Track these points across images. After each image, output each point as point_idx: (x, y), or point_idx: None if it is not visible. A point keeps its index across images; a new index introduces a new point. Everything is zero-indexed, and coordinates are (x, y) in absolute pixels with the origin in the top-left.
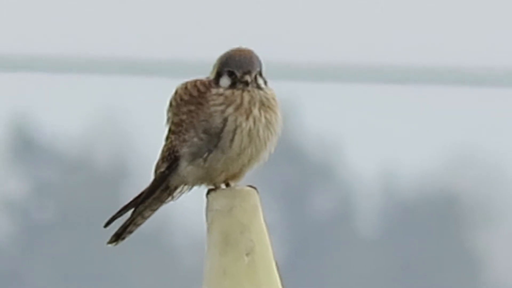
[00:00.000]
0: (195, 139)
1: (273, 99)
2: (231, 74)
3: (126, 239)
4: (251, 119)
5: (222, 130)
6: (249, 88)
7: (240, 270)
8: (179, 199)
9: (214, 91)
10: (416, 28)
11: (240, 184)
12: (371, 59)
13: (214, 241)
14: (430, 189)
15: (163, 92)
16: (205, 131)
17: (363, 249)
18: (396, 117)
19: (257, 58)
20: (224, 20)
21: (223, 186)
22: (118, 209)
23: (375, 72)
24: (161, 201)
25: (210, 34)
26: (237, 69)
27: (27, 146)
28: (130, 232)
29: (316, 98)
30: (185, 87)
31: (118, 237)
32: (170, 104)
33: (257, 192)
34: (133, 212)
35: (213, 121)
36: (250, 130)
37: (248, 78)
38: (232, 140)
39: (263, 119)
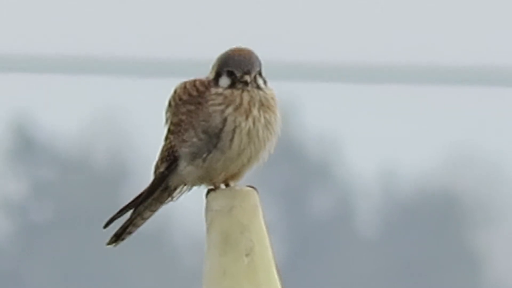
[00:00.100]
0: (195, 139)
1: (273, 99)
2: (230, 74)
3: (126, 240)
4: (250, 119)
5: (221, 130)
6: (249, 88)
7: (240, 270)
8: (179, 199)
9: (213, 90)
10: (416, 28)
11: (240, 184)
12: (371, 59)
13: (214, 241)
14: (430, 189)
15: (163, 92)
16: (205, 131)
17: (362, 249)
18: (396, 117)
19: (256, 58)
20: (224, 20)
21: (222, 186)
22: (117, 210)
23: (375, 72)
24: (160, 201)
25: (210, 34)
26: (237, 69)
27: (26, 146)
28: (130, 232)
29: (315, 98)
30: (184, 86)
31: (117, 237)
32: (169, 104)
33: (257, 192)
34: (133, 212)
35: (212, 121)
36: (249, 130)
37: (247, 78)
38: (231, 140)
39: (262, 119)
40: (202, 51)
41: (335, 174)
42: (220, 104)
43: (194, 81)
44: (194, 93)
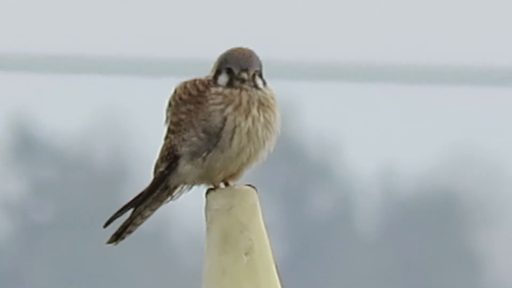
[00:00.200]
0: (194, 139)
1: (272, 98)
2: (229, 71)
3: (126, 239)
4: (250, 119)
5: (221, 129)
6: (246, 86)
7: (239, 269)
8: (179, 198)
9: (213, 90)
10: (416, 28)
11: (239, 183)
12: (371, 59)
13: (214, 241)
14: (430, 189)
15: (163, 92)
16: (204, 131)
17: (362, 249)
18: (396, 117)
19: (257, 58)
20: (224, 20)
21: (222, 185)
22: (117, 209)
23: (375, 72)
24: (160, 200)
25: (210, 34)
26: (235, 66)
27: (26, 146)
28: (130, 232)
29: (315, 98)
30: (184, 86)
31: (117, 236)
32: (169, 104)
33: (256, 191)
34: (133, 212)
35: (212, 120)
36: (249, 129)
37: (245, 75)
38: (231, 139)
39: (262, 119)
40: (202, 51)
41: (335, 173)
42: (220, 104)
43: (195, 80)
44: (194, 92)
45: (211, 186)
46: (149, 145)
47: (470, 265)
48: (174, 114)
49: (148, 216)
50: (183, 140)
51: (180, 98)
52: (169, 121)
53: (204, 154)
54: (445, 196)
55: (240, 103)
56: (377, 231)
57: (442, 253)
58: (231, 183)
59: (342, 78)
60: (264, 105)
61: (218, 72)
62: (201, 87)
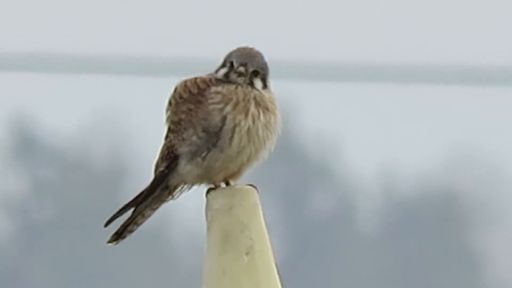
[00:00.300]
0: (194, 138)
1: (271, 102)
2: (230, 65)
3: (126, 238)
4: (250, 118)
5: (221, 128)
6: (241, 81)
7: (240, 269)
8: (179, 198)
9: (213, 89)
10: (416, 28)
11: (240, 183)
12: (371, 59)
13: (214, 240)
14: (430, 189)
15: (163, 91)
16: (204, 130)
17: (362, 249)
18: (396, 117)
19: (262, 60)
20: (224, 20)
21: (222, 185)
22: (117, 208)
23: (375, 72)
24: (161, 200)
25: (210, 34)
26: (236, 60)
27: (26, 145)
28: (131, 231)
29: (315, 98)
30: (184, 84)
31: (118, 236)
32: (169, 103)
33: (257, 191)
34: (133, 211)
35: (212, 119)
36: (249, 128)
37: (242, 69)
38: (231, 138)
39: (262, 118)
40: (202, 51)
41: (335, 173)
42: (219, 103)
43: (195, 78)
44: (195, 90)
45: (212, 186)
46: (149, 145)
47: (470, 265)
48: (174, 113)
49: (149, 215)
50: (183, 139)
51: (181, 97)
52: (169, 120)
53: (204, 154)
54: (445, 196)
55: (237, 101)
56: (377, 231)
57: (442, 253)
58: (231, 182)
59: (342, 78)
60: (261, 105)
61: (222, 66)
62: (202, 85)
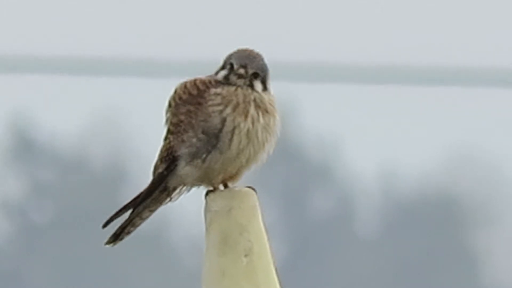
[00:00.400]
0: (194, 140)
1: (270, 104)
2: (230, 66)
3: (125, 240)
4: (249, 120)
5: (220, 130)
6: (241, 83)
7: (239, 271)
8: (178, 200)
9: (213, 91)
10: (416, 28)
11: (239, 185)
12: (371, 59)
13: (213, 242)
14: (430, 189)
15: (163, 92)
16: (204, 132)
17: (362, 249)
18: (396, 117)
19: (262, 63)
20: (224, 20)
21: (221, 187)
22: (116, 210)
23: (375, 72)
24: (159, 202)
25: (210, 34)
26: (236, 62)
27: (26, 147)
28: (128, 232)
29: (315, 98)
30: (184, 86)
31: (116, 237)
32: (169, 104)
33: (256, 193)
34: (132, 213)
35: (211, 121)
36: (248, 130)
37: (242, 71)
38: (230, 140)
39: (261, 120)
40: (202, 51)
41: (335, 174)
42: (219, 104)
43: (195, 80)
44: (194, 92)
45: (211, 188)
46: (148, 146)
47: (469, 265)
48: (173, 115)
49: (147, 217)
50: (183, 141)
51: (180, 98)
52: (168, 122)
53: (204, 156)
54: (445, 197)
55: (237, 103)
56: (377, 231)
57: (442, 253)
58: (230, 184)
59: (342, 79)
60: (261, 107)
61: (222, 68)
62: (201, 87)
